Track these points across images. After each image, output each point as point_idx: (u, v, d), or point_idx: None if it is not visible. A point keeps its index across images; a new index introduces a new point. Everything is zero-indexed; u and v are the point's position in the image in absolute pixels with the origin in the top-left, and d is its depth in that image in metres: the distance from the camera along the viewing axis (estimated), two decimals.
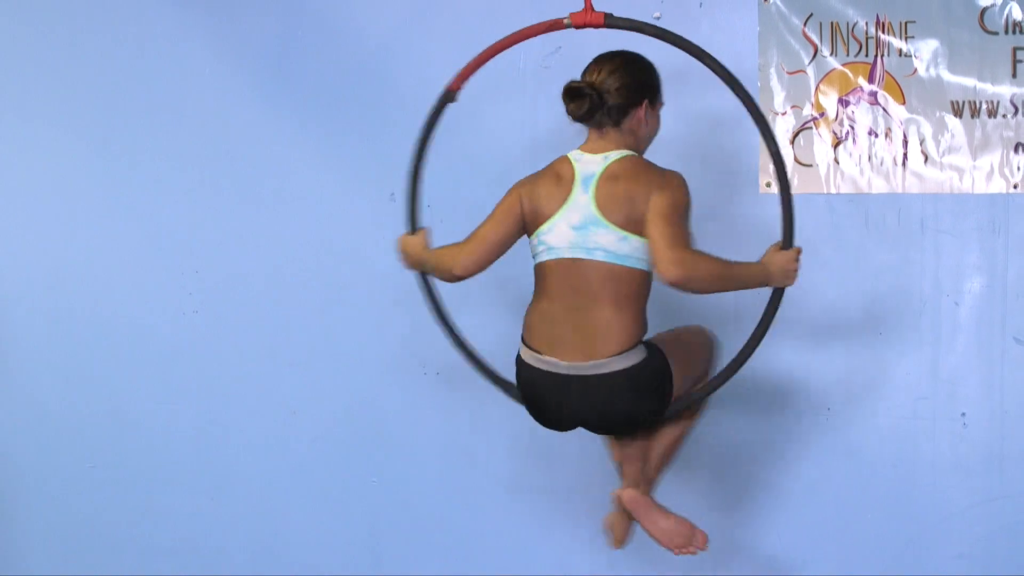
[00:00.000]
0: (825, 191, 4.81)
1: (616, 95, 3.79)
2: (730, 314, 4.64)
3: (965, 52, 4.71)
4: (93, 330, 5.21)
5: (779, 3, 4.78)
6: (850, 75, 4.77)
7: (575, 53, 4.74)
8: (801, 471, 4.88)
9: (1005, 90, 4.70)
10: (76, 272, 5.21)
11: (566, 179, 3.78)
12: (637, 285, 3.74)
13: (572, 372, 3.74)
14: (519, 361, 3.86)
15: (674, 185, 3.74)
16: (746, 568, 4.95)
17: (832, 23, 4.76)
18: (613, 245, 3.71)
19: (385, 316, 5.06)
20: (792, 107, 4.80)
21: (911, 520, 4.83)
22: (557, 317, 3.76)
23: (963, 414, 4.80)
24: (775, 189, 4.78)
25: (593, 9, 3.94)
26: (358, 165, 5.06)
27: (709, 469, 4.94)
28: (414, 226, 4.17)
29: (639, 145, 3.88)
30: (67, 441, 5.24)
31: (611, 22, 3.92)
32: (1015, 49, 4.70)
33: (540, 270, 3.82)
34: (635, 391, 3.75)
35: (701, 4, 4.82)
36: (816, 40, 4.78)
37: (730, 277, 3.70)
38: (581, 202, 3.73)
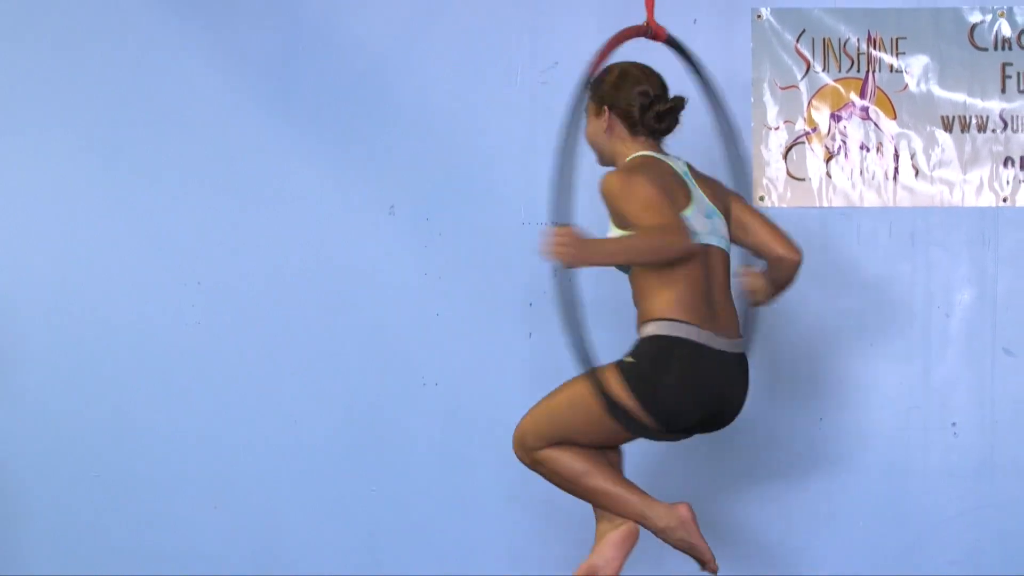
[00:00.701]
0: (818, 204, 4.84)
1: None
2: None
3: (955, 68, 4.75)
4: (97, 338, 5.19)
5: (772, 19, 4.83)
6: (842, 90, 4.81)
7: (573, 68, 4.82)
8: (793, 480, 4.90)
9: (994, 105, 4.75)
10: (80, 281, 5.18)
11: (675, 172, 3.80)
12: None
13: (732, 349, 3.78)
14: (680, 343, 3.67)
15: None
16: (733, 571, 4.97)
17: (824, 39, 4.80)
18: (726, 233, 3.85)
19: (385, 327, 5.06)
20: (785, 122, 4.84)
21: (903, 527, 4.85)
22: (701, 295, 3.73)
23: (954, 423, 4.83)
24: (768, 203, 4.85)
25: (655, 23, 3.94)
26: (358, 176, 5.07)
27: (701, 479, 4.96)
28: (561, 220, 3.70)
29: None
30: (71, 448, 5.20)
31: (672, 43, 3.97)
32: (1004, 65, 4.75)
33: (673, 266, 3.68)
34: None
35: (695, 20, 4.82)
36: (809, 56, 4.82)
37: None
38: (699, 194, 3.80)
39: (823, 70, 4.81)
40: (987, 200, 4.78)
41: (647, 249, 3.58)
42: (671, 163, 3.82)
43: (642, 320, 3.74)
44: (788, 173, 4.84)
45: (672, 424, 3.72)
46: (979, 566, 4.83)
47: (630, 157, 3.82)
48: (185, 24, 5.14)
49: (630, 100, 3.82)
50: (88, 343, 5.21)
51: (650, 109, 3.82)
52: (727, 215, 3.84)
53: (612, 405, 3.67)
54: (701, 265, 3.71)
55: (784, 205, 4.84)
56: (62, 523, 5.25)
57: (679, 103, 3.85)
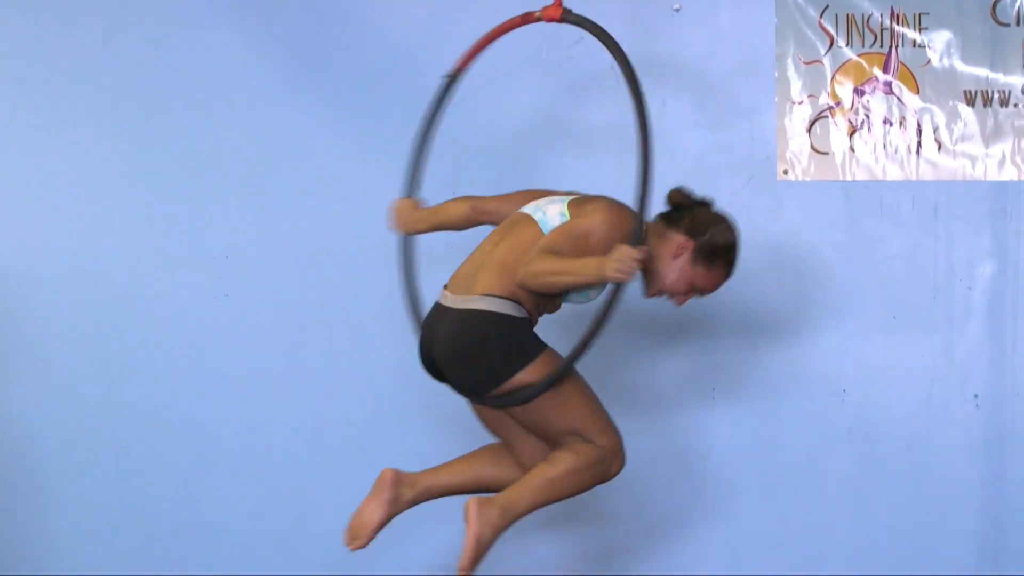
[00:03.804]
0: (841, 178, 4.86)
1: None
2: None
3: (977, 43, 4.76)
4: (124, 313, 5.22)
5: None
6: (865, 65, 4.83)
7: (597, 44, 4.84)
8: (816, 452, 4.92)
9: (1016, 80, 4.76)
10: (107, 257, 5.22)
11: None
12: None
13: (451, 305, 3.90)
14: None
15: (606, 212, 3.91)
16: (760, 549, 5.00)
17: (848, 15, 4.82)
18: (552, 215, 3.93)
19: None
20: (809, 96, 4.86)
21: (924, 499, 4.87)
22: (475, 258, 4.01)
23: (976, 396, 4.85)
24: (792, 176, 4.88)
25: (561, 5, 4.06)
26: (385, 154, 5.08)
27: (726, 450, 5.00)
28: (410, 193, 4.39)
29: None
30: (98, 424, 5.24)
31: (567, 18, 4.04)
32: None
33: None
34: (481, 339, 3.83)
35: None
36: (832, 31, 4.84)
37: (565, 271, 3.76)
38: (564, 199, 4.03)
39: (847, 45, 4.83)
40: (1009, 174, 4.79)
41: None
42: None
43: None
44: (812, 147, 4.86)
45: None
46: (1001, 537, 4.86)
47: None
48: (215, 9, 5.16)
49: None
50: (116, 319, 5.24)
51: None
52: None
53: None
54: (497, 230, 4.04)
55: (808, 179, 4.86)
56: (91, 497, 5.29)
57: None
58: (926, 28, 4.79)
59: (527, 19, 4.12)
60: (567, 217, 3.88)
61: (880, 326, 4.88)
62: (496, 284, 3.84)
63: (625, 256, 3.63)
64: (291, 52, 5.14)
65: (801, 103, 4.86)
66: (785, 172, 4.86)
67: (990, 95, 4.78)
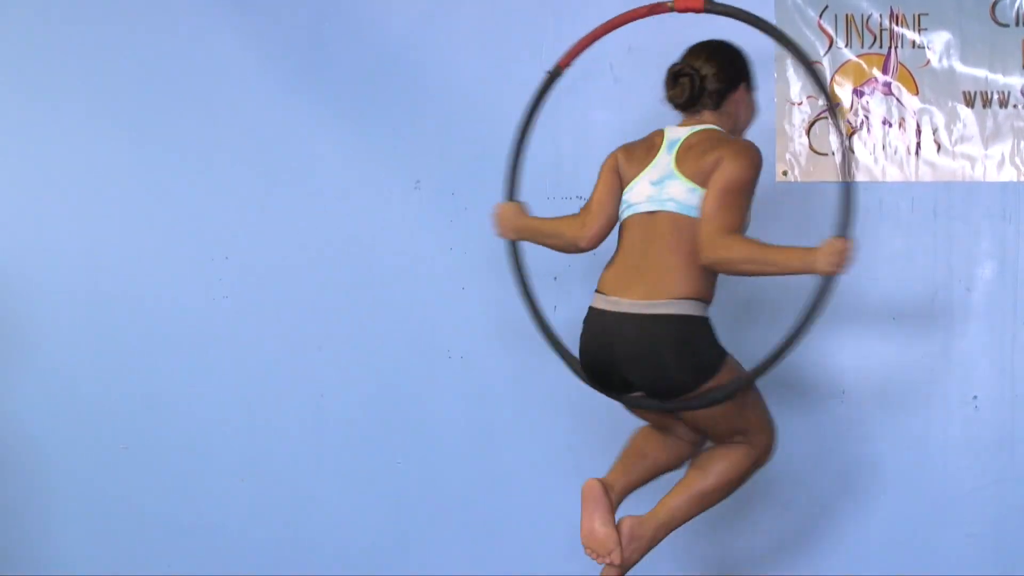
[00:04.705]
0: (840, 179, 4.86)
1: (715, 80, 3.98)
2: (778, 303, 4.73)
3: (977, 44, 4.76)
4: (125, 313, 5.24)
5: None
6: (864, 66, 4.83)
7: (596, 47, 4.87)
8: (814, 452, 4.92)
9: (1016, 81, 4.75)
10: (108, 256, 5.24)
11: (656, 145, 3.97)
12: None
13: (629, 311, 3.81)
14: (589, 308, 3.97)
15: (746, 156, 3.86)
16: (757, 545, 5.01)
17: (847, 15, 4.82)
18: (682, 196, 3.85)
19: (411, 301, 5.10)
20: (808, 97, 4.86)
21: (922, 501, 4.87)
22: (627, 263, 3.88)
23: (975, 397, 4.85)
24: (791, 178, 4.87)
25: None
26: (384, 154, 5.09)
27: None
28: (511, 196, 4.26)
29: (737, 128, 4.06)
30: (100, 422, 5.26)
31: (710, 7, 4.03)
32: None
33: (619, 229, 3.99)
34: (679, 343, 3.81)
35: None
36: (831, 32, 4.84)
37: (767, 262, 3.75)
38: (663, 162, 3.91)
39: (846, 46, 4.83)
40: (1008, 175, 4.79)
41: (557, 242, 4.18)
42: (666, 132, 3.99)
43: None
44: (811, 148, 4.86)
45: (587, 376, 4.00)
46: (998, 539, 4.86)
47: (705, 127, 4.00)
48: (214, 5, 5.18)
49: None
50: (116, 318, 5.27)
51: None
52: (703, 182, 3.85)
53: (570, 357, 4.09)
54: (638, 233, 3.89)
55: (806, 180, 4.86)
56: (91, 496, 5.31)
57: (673, 68, 4.02)
58: (925, 29, 4.79)
59: (656, 10, 4.06)
60: (696, 186, 3.85)
61: (879, 327, 4.87)
62: (679, 287, 3.81)
63: (839, 250, 3.69)
64: (291, 53, 5.15)
65: (800, 104, 4.87)
66: (784, 173, 4.86)
67: (989, 96, 4.78)
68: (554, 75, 4.25)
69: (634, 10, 4.11)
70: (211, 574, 5.25)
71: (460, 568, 5.16)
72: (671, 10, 4.05)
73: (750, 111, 4.11)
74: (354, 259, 5.13)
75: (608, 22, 4.15)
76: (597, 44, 4.81)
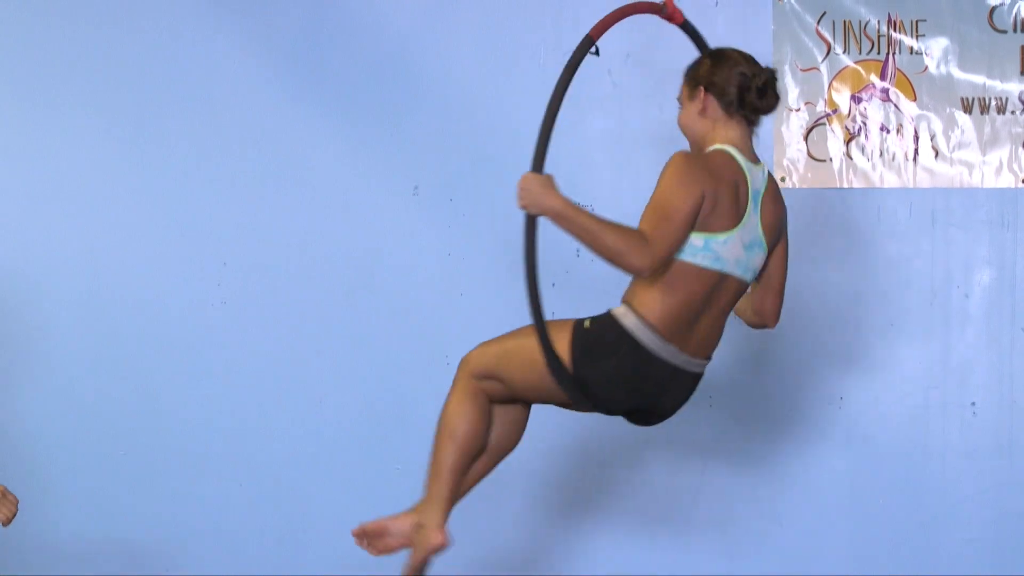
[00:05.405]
0: (838, 185, 4.86)
1: None
2: None
3: (975, 50, 4.76)
4: (124, 318, 5.24)
5: (793, 2, 4.84)
6: (862, 72, 4.83)
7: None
8: (814, 459, 4.93)
9: (1014, 87, 4.76)
10: (107, 262, 5.24)
11: (742, 192, 3.61)
12: None
13: (686, 368, 3.68)
14: (634, 344, 3.61)
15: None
16: (757, 554, 5.01)
17: (845, 21, 4.82)
18: (760, 264, 3.73)
19: (409, 307, 5.10)
20: (806, 103, 4.86)
21: (921, 506, 4.88)
22: (688, 314, 3.60)
23: (973, 403, 4.85)
24: (789, 184, 4.87)
25: (673, 5, 3.84)
26: (382, 157, 5.10)
27: (719, 456, 5.01)
28: (540, 167, 3.65)
29: None
30: (99, 427, 5.27)
31: (685, 26, 3.88)
32: (1023, 47, 4.78)
33: (692, 270, 3.59)
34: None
35: (717, 3, 4.86)
36: (829, 38, 4.84)
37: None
38: (753, 222, 3.64)
39: (843, 52, 4.83)
40: (1006, 181, 4.79)
41: (604, 247, 3.47)
42: (747, 172, 3.63)
43: (625, 296, 3.67)
44: (809, 154, 4.86)
45: (595, 401, 3.69)
46: (997, 544, 4.86)
47: (713, 147, 3.66)
48: (212, 7, 5.18)
49: (728, 79, 3.66)
50: (116, 323, 5.27)
51: (750, 88, 3.64)
52: (771, 249, 3.74)
53: (552, 357, 3.62)
54: (708, 289, 3.61)
55: (804, 186, 4.86)
56: (91, 500, 5.31)
57: (774, 74, 3.70)
58: (923, 35, 4.79)
59: (652, 9, 3.83)
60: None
61: (877, 333, 4.88)
62: (717, 343, 3.77)
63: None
64: (290, 60, 5.16)
65: (798, 110, 4.87)
66: (782, 179, 4.86)
67: (987, 102, 4.78)
68: (587, 46, 3.79)
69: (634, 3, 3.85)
70: (211, 575, 5.26)
71: (459, 569, 5.16)
72: (663, 11, 3.86)
73: None
74: (352, 264, 5.13)
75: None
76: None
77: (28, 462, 5.30)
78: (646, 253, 3.45)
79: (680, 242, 3.52)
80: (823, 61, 4.84)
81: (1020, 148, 4.78)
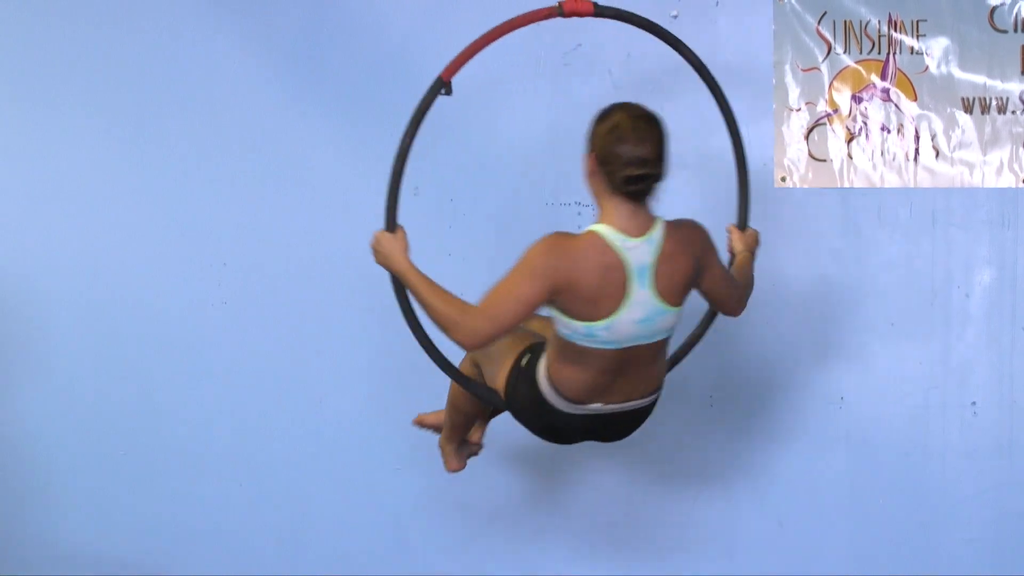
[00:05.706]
0: (839, 185, 4.86)
1: (663, 168, 3.54)
2: None
3: (975, 50, 4.77)
4: (124, 318, 5.25)
5: (794, 2, 4.84)
6: (863, 72, 4.83)
7: (595, 50, 4.85)
8: (813, 459, 4.94)
9: (1014, 87, 4.77)
10: (108, 262, 5.25)
11: (615, 276, 3.49)
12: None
13: (627, 409, 3.70)
14: (547, 407, 3.68)
15: (707, 238, 3.66)
16: (757, 554, 5.02)
17: (845, 21, 4.82)
18: (671, 323, 3.62)
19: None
20: (806, 103, 4.87)
21: (922, 506, 4.89)
22: (613, 383, 3.64)
23: (973, 403, 4.86)
24: (789, 183, 4.88)
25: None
26: (383, 160, 5.09)
27: (724, 456, 5.01)
28: (392, 225, 3.89)
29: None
30: (99, 427, 5.28)
31: (600, 11, 3.83)
32: (1023, 47, 4.80)
33: (591, 350, 3.56)
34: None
35: (717, 3, 4.86)
36: (830, 38, 4.84)
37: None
38: (641, 298, 3.51)
39: (844, 52, 4.83)
40: (1007, 181, 4.80)
41: (435, 314, 3.59)
42: (623, 253, 3.48)
43: (548, 344, 3.69)
44: (809, 154, 4.87)
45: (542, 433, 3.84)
46: (997, 544, 4.88)
47: (588, 228, 3.52)
48: (212, 8, 5.18)
49: (608, 155, 3.48)
50: (116, 324, 5.28)
51: (623, 169, 3.46)
52: (693, 287, 3.65)
53: (481, 393, 3.99)
54: (617, 361, 3.58)
55: (805, 186, 4.87)
56: (91, 500, 5.33)
57: (653, 174, 3.47)
58: (924, 35, 4.80)
59: (545, 14, 3.82)
60: (679, 308, 3.65)
61: (878, 333, 4.88)
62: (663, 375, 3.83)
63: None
64: (290, 60, 5.15)
65: (799, 110, 4.87)
66: (783, 179, 4.86)
67: (988, 102, 4.78)
68: (437, 89, 3.93)
69: (525, 14, 3.89)
70: (210, 575, 5.26)
71: (459, 569, 5.16)
72: (560, 14, 3.85)
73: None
74: (352, 265, 5.11)
75: (497, 27, 3.93)
76: (596, 49, 4.86)
77: (28, 462, 5.31)
78: (469, 332, 3.51)
79: (513, 325, 3.51)
80: (824, 61, 4.84)
81: (1021, 148, 4.78)
